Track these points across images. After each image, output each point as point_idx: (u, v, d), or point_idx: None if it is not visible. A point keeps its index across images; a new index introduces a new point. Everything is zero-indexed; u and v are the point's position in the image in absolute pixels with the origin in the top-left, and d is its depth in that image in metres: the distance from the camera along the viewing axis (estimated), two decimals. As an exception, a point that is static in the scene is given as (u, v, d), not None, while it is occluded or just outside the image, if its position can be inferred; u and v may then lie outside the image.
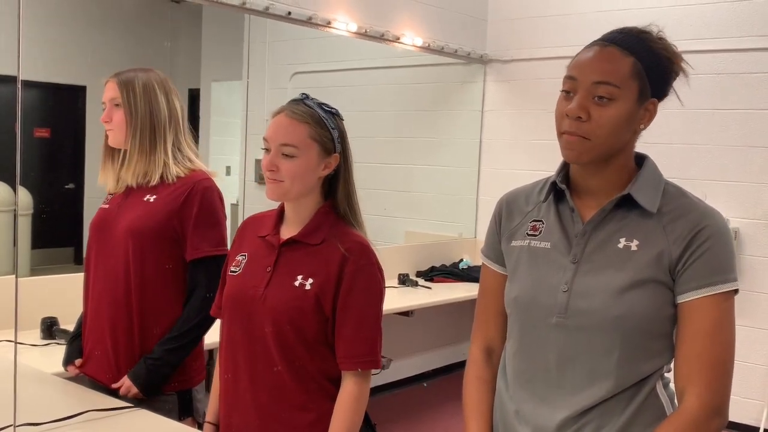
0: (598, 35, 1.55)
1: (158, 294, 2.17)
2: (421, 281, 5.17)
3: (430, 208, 5.83)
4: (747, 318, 4.55)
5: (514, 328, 1.55)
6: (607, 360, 1.40)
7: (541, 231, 1.50)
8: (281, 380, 1.75)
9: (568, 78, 1.42)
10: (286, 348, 1.74)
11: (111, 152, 2.24)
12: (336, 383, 1.78)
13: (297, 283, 1.74)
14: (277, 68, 5.65)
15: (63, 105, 6.91)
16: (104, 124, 2.20)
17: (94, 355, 2.22)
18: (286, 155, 1.73)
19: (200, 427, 2.17)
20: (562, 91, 1.44)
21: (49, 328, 3.12)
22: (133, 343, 2.16)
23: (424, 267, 5.44)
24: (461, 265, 5.55)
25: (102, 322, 2.18)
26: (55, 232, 7.04)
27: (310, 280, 1.74)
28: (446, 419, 4.89)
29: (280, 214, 1.86)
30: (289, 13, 4.34)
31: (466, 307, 5.80)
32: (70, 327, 3.09)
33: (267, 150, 1.76)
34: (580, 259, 1.44)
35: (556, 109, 1.44)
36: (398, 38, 5.09)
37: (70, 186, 7.01)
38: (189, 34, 6.27)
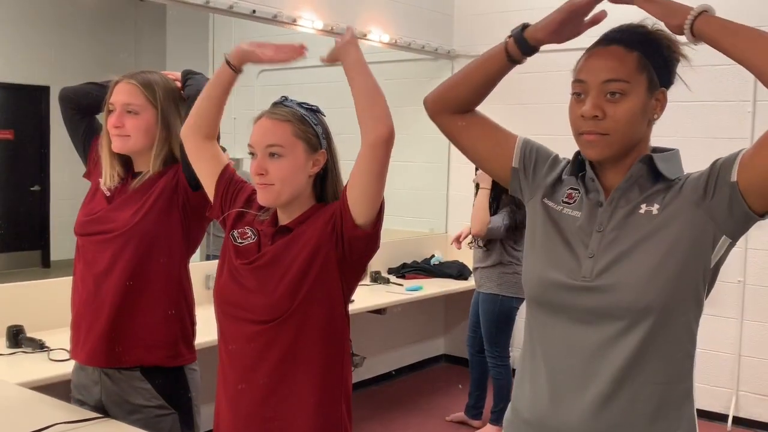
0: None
1: (158, 282, 2.12)
2: (392, 278, 5.16)
3: (400, 204, 5.82)
4: (714, 307, 4.60)
5: (532, 318, 1.55)
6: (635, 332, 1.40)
7: (575, 199, 1.52)
8: (285, 372, 1.73)
9: (577, 81, 1.45)
10: (288, 340, 1.72)
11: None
12: (338, 368, 1.77)
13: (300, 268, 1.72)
14: (244, 66, 5.60)
15: (26, 106, 6.81)
16: (114, 129, 2.11)
17: (89, 340, 2.12)
18: (273, 155, 1.72)
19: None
20: (573, 94, 1.46)
21: (15, 337, 3.07)
22: (133, 327, 2.10)
23: (396, 264, 5.44)
24: (432, 261, 5.56)
25: (101, 307, 2.10)
26: (21, 235, 6.94)
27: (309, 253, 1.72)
28: (419, 415, 4.90)
29: (274, 221, 1.83)
30: (254, 11, 4.31)
31: (438, 303, 5.82)
32: (37, 335, 3.06)
33: (253, 155, 1.74)
34: (605, 229, 1.45)
35: (569, 112, 1.46)
36: (365, 35, 5.07)
37: (36, 188, 6.92)
38: (153, 32, 6.19)
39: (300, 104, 1.79)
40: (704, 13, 1.32)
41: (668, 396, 1.42)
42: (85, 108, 2.28)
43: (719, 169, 1.38)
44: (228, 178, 1.91)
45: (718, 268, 1.44)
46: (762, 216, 1.37)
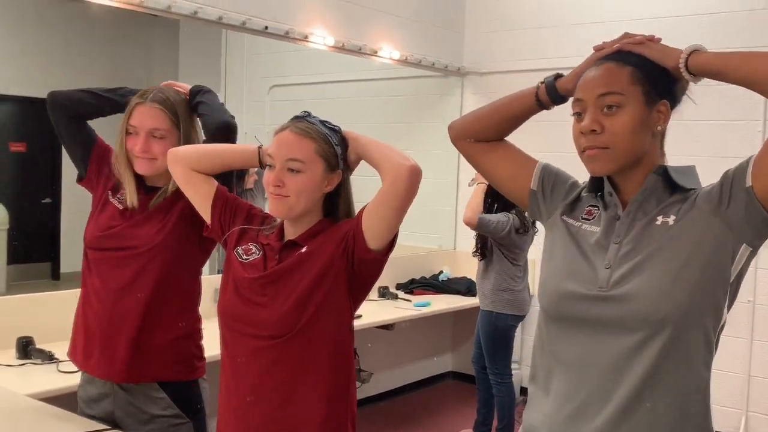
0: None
1: (177, 299, 2.15)
2: (401, 294, 5.16)
3: (409, 220, 5.80)
4: (726, 327, 4.57)
5: (544, 328, 1.55)
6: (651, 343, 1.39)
7: (595, 216, 1.54)
8: (295, 386, 1.74)
9: (576, 101, 1.49)
10: (296, 355, 1.73)
11: (131, 167, 2.15)
12: (344, 383, 1.77)
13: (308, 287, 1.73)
14: (255, 81, 5.64)
15: (39, 119, 6.83)
16: (141, 153, 2.09)
17: (106, 355, 2.12)
18: (292, 170, 1.72)
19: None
20: (573, 114, 1.49)
21: (25, 348, 3.08)
22: (153, 343, 2.11)
23: (404, 279, 5.44)
24: (441, 277, 5.55)
25: (120, 323, 2.10)
26: (32, 247, 6.97)
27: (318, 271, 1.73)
28: (427, 432, 4.88)
29: (280, 235, 1.84)
30: (266, 27, 4.34)
31: (446, 319, 5.81)
32: (46, 346, 3.07)
33: (271, 166, 1.75)
34: (622, 240, 1.46)
35: (573, 132, 1.49)
36: (375, 51, 5.10)
37: (47, 200, 6.95)
38: (166, 47, 6.24)
39: (323, 122, 1.79)
40: (695, 51, 1.40)
41: (687, 408, 1.42)
42: (81, 115, 2.24)
43: (732, 177, 1.39)
44: (223, 198, 1.91)
45: (740, 278, 1.43)
46: None
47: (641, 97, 1.43)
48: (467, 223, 4.19)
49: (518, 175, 1.66)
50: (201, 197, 1.92)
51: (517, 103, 1.65)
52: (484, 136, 1.68)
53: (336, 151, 1.76)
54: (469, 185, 4.38)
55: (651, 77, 1.44)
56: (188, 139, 2.12)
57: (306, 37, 4.61)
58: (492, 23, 5.72)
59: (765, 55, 1.34)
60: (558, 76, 1.59)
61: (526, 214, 4.14)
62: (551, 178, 1.64)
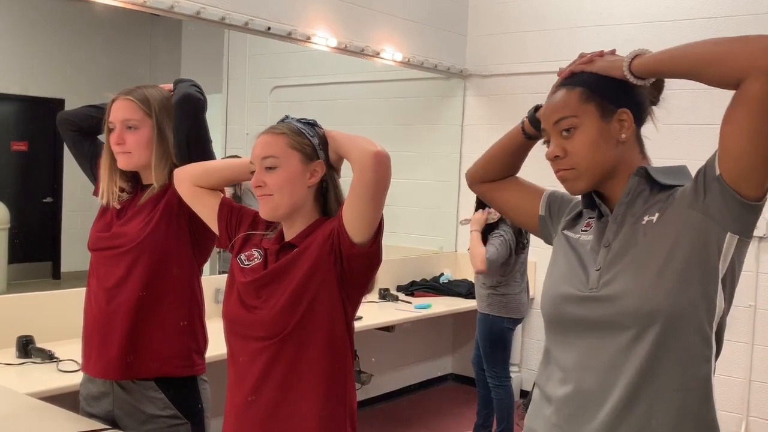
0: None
1: (172, 294, 2.14)
2: (401, 296, 5.16)
3: (410, 222, 5.83)
4: (726, 332, 4.57)
5: (550, 337, 1.57)
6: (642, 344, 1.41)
7: (592, 227, 1.58)
8: (293, 386, 1.74)
9: (542, 130, 1.56)
10: (291, 356, 1.73)
11: (114, 166, 2.18)
12: (342, 384, 1.78)
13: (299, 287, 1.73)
14: (257, 82, 5.65)
15: (41, 118, 6.85)
16: (116, 146, 2.13)
17: (104, 354, 2.13)
18: (269, 168, 1.75)
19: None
20: (543, 142, 1.56)
21: (25, 347, 3.08)
22: (148, 339, 2.11)
23: (405, 281, 5.44)
24: (442, 279, 5.55)
25: (114, 321, 2.11)
26: (33, 247, 6.97)
27: (308, 270, 1.73)
28: (427, 434, 4.88)
29: (280, 238, 1.84)
30: (269, 28, 4.34)
31: (446, 321, 5.81)
32: (46, 346, 3.07)
33: (254, 172, 1.78)
34: (611, 243, 1.49)
35: None
36: (378, 53, 5.10)
37: (48, 200, 6.95)
38: (168, 47, 6.25)
39: (298, 119, 1.82)
40: (637, 56, 1.44)
41: (687, 403, 1.43)
42: (87, 130, 2.31)
43: (705, 170, 1.41)
44: (228, 208, 1.95)
45: (735, 271, 1.44)
46: (759, 200, 1.38)
47: (595, 113, 1.47)
48: (480, 273, 4.23)
49: (528, 204, 1.75)
50: (208, 210, 1.97)
51: (510, 141, 1.74)
52: (493, 176, 1.79)
53: (311, 142, 1.78)
54: (461, 224, 4.43)
55: (601, 91, 1.48)
56: (161, 129, 2.14)
57: (309, 38, 4.61)
58: (494, 26, 5.73)
59: (696, 43, 1.37)
60: (538, 108, 1.64)
61: (524, 231, 4.24)
62: (557, 201, 1.71)
